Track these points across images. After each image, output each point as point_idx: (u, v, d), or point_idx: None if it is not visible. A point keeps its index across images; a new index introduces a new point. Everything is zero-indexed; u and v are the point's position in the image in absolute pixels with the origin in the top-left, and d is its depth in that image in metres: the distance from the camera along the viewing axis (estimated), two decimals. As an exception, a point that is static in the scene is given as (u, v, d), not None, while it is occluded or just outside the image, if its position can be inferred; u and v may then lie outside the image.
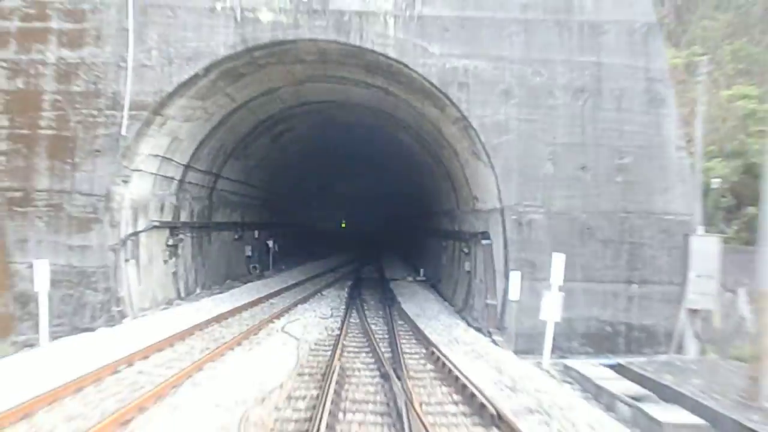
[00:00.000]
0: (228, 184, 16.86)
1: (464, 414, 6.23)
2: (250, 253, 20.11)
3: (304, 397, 6.56)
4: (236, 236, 18.86)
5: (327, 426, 5.32)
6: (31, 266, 10.16)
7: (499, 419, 5.74)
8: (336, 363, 7.60)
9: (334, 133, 19.63)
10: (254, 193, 19.91)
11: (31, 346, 9.28)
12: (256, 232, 20.93)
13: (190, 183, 14.04)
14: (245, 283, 17.06)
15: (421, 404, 6.24)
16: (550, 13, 10.92)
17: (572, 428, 5.70)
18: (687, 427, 6.12)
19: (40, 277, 9.00)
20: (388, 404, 6.41)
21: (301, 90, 14.08)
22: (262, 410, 5.86)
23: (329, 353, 8.49)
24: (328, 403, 5.82)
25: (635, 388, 7.54)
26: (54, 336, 9.53)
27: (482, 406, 6.10)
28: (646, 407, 6.58)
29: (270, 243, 20.77)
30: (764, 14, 15.48)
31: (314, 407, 5.96)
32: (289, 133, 18.06)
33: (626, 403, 6.86)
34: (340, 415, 5.99)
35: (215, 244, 16.83)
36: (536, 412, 6.15)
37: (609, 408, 7.02)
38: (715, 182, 11.18)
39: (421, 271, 20.69)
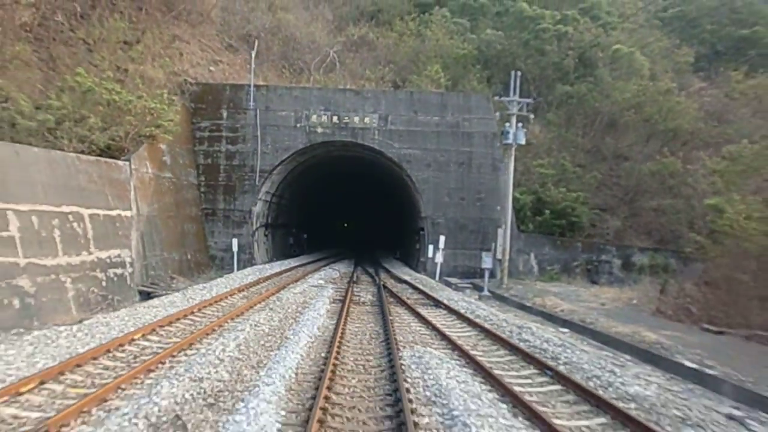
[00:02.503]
0: (284, 201, 31.21)
1: (396, 282, 20.62)
2: (291, 242, 34.55)
3: (346, 278, 20.90)
4: (284, 231, 33.28)
5: (352, 281, 19.70)
6: (216, 243, 24.63)
7: (404, 281, 20.17)
8: (355, 275, 22.05)
9: (345, 168, 34.06)
10: (293, 205, 34.23)
11: (228, 273, 23.49)
12: (293, 229, 35.29)
13: (272, 202, 28.42)
14: (295, 257, 31.43)
15: (384, 282, 20.59)
16: (449, 128, 25.34)
17: (428, 285, 20.04)
18: (463, 287, 20.54)
19: (235, 246, 23.32)
20: (372, 283, 20.75)
21: (330, 153, 28.49)
22: (332, 280, 20.26)
23: (351, 274, 22.88)
24: (353, 277, 20.26)
25: (466, 283, 21.97)
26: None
27: (401, 279, 20.56)
28: (458, 285, 21.03)
29: (305, 236, 35.20)
30: (584, 113, 29.92)
31: (349, 281, 20.25)
32: (317, 170, 32.44)
33: (454, 284, 21.32)
34: (357, 282, 20.27)
35: (277, 236, 31.22)
36: (422, 284, 20.50)
37: (447, 286, 21.40)
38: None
39: (398, 252, 35.28)
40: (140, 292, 18.01)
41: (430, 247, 24.54)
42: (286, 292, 16.50)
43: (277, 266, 24.35)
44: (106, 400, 6.69)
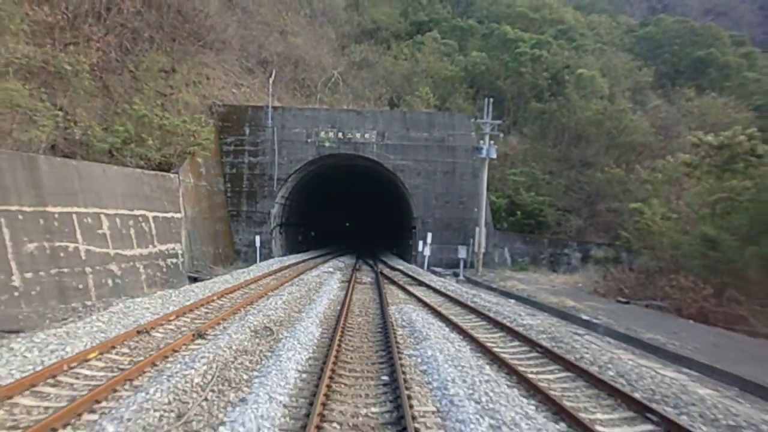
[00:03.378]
0: (295, 203, 36.60)
1: (390, 270, 25.97)
2: (301, 239, 39.96)
3: (350, 267, 26.24)
4: (295, 230, 38.68)
5: (355, 269, 25.07)
6: (240, 240, 30.03)
7: (397, 270, 25.54)
8: (357, 265, 27.43)
9: (348, 176, 39.48)
10: (301, 206, 39.60)
11: (252, 264, 28.81)
12: (302, 228, 40.68)
13: (284, 205, 33.80)
14: (305, 252, 36.81)
15: (380, 270, 25.93)
16: (436, 143, 30.71)
17: (416, 272, 25.38)
18: (445, 274, 25.91)
19: (257, 242, 28.69)
20: (371, 271, 26.10)
21: (336, 163, 33.87)
22: (339, 269, 25.62)
23: (354, 264, 28.23)
24: (356, 266, 25.63)
25: (448, 272, 27.35)
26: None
27: (395, 268, 25.92)
28: (442, 273, 26.39)
29: (313, 234, 40.63)
30: (554, 127, 35.24)
31: (353, 269, 25.57)
32: (325, 178, 37.84)
33: (438, 272, 26.68)
34: (359, 270, 25.59)
35: (290, 233, 36.61)
36: (412, 271, 25.83)
37: (432, 273, 26.75)
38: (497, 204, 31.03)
39: (394, 248, 40.73)
40: (189, 277, 23.37)
41: (420, 243, 29.89)
42: (305, 275, 21.85)
43: (293, 259, 29.70)
44: (219, 323, 12.04)
